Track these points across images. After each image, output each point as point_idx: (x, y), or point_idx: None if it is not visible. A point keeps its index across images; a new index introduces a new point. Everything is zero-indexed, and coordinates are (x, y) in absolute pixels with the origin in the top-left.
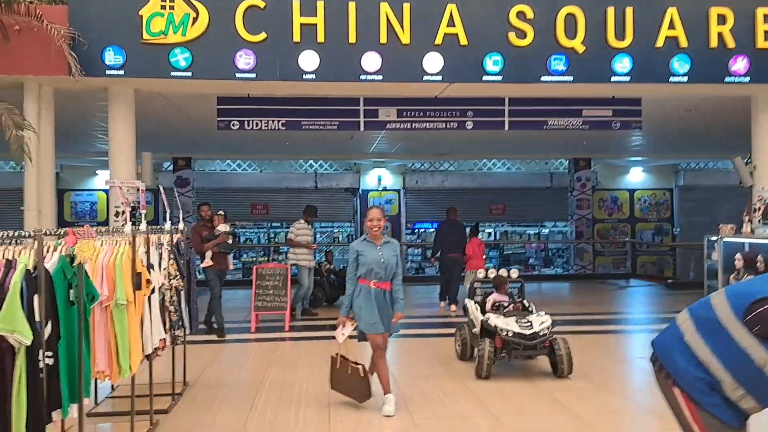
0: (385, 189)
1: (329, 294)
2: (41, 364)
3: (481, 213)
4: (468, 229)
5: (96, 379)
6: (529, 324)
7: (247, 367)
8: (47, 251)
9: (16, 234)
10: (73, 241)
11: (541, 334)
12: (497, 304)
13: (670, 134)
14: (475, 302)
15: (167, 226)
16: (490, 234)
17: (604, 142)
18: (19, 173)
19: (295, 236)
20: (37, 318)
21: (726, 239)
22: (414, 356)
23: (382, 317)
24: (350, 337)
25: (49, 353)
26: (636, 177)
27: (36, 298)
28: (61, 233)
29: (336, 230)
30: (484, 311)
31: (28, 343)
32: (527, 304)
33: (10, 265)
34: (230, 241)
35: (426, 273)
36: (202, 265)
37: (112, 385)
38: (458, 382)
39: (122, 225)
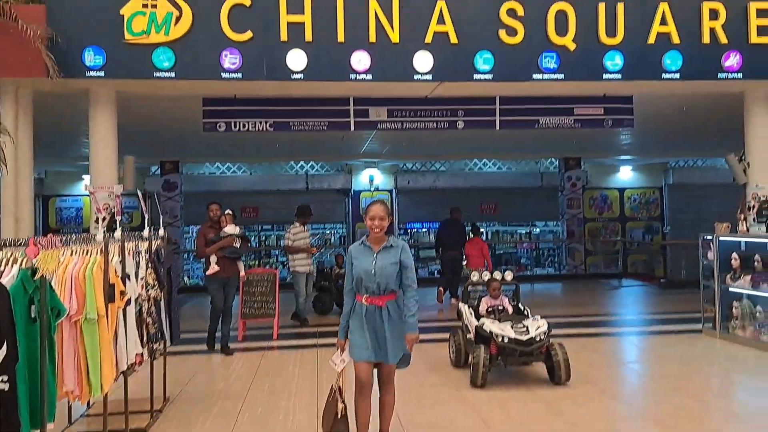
0: (377, 189)
1: (338, 299)
2: None
3: (472, 213)
4: (469, 230)
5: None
6: (525, 329)
7: (233, 379)
8: (4, 264)
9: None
10: (35, 252)
11: (537, 339)
12: (491, 308)
13: (661, 132)
14: (469, 306)
15: (146, 232)
16: (481, 234)
17: (594, 140)
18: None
19: (292, 242)
20: None
21: (722, 238)
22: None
23: (373, 342)
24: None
25: (4, 377)
26: (626, 175)
27: None
28: (21, 243)
29: (328, 232)
30: (478, 315)
31: None
32: (523, 308)
33: None
34: (237, 244)
35: (419, 274)
36: (208, 272)
37: (89, 403)
38: (453, 391)
39: (103, 232)
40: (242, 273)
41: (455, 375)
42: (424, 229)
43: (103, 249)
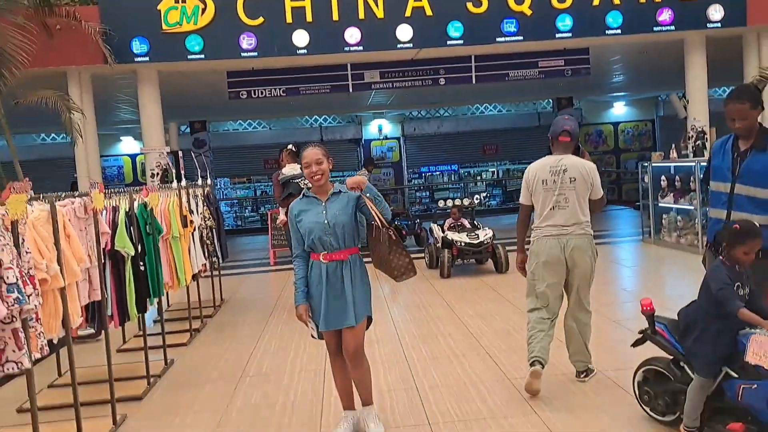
0: (385, 137)
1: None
2: (139, 269)
3: (476, 154)
4: None
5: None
6: (476, 236)
7: (269, 290)
8: (135, 200)
9: (116, 191)
10: (146, 194)
11: (485, 242)
12: (452, 224)
13: (640, 71)
14: (438, 224)
15: (200, 182)
16: (493, 173)
17: (584, 81)
18: (59, 144)
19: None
20: (134, 240)
21: (654, 164)
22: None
23: (334, 308)
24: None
25: (142, 263)
26: (619, 110)
27: (132, 228)
28: (138, 190)
29: (344, 178)
30: (443, 230)
31: (132, 254)
32: (477, 224)
33: (115, 209)
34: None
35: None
36: (278, 222)
37: (168, 302)
38: (426, 282)
39: (158, 184)
40: None
41: (429, 273)
42: (438, 172)
43: (178, 193)
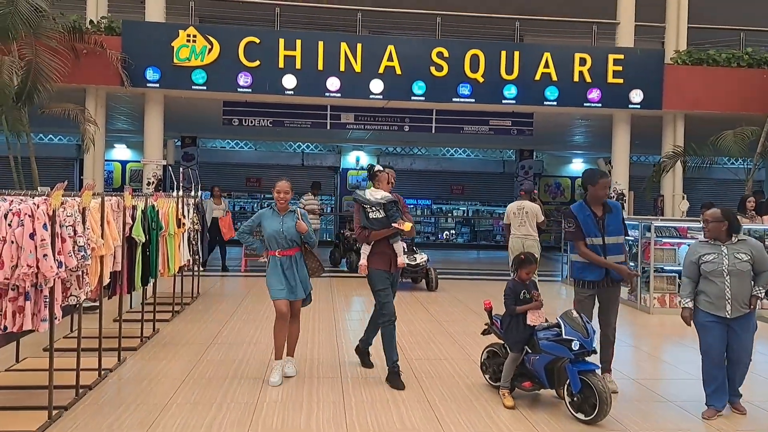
0: (362, 168)
1: (344, 254)
2: (146, 254)
3: (443, 193)
4: None
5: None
6: (414, 258)
7: (238, 289)
8: (148, 202)
9: (140, 194)
10: (155, 198)
11: (420, 264)
12: None
13: (588, 134)
14: None
15: (193, 193)
16: (464, 212)
17: (544, 137)
18: (53, 144)
19: (303, 206)
20: (145, 232)
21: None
22: (347, 285)
23: (290, 283)
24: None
25: (147, 250)
26: (577, 166)
27: (144, 223)
28: (150, 194)
29: (322, 203)
30: None
31: (143, 241)
32: (415, 249)
33: (134, 208)
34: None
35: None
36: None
37: (155, 292)
38: (368, 294)
39: (152, 192)
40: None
41: None
42: (411, 206)
43: (176, 200)
